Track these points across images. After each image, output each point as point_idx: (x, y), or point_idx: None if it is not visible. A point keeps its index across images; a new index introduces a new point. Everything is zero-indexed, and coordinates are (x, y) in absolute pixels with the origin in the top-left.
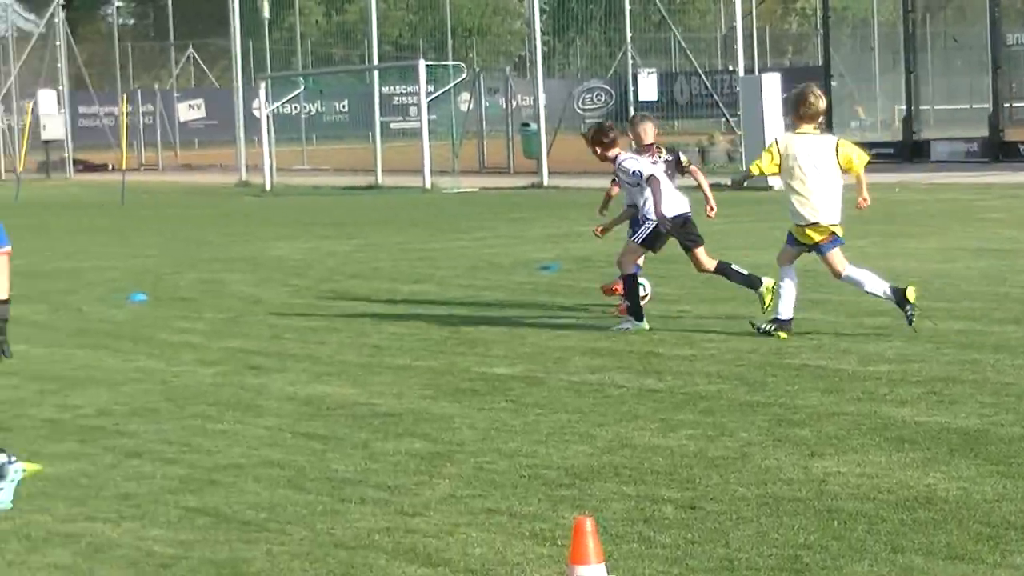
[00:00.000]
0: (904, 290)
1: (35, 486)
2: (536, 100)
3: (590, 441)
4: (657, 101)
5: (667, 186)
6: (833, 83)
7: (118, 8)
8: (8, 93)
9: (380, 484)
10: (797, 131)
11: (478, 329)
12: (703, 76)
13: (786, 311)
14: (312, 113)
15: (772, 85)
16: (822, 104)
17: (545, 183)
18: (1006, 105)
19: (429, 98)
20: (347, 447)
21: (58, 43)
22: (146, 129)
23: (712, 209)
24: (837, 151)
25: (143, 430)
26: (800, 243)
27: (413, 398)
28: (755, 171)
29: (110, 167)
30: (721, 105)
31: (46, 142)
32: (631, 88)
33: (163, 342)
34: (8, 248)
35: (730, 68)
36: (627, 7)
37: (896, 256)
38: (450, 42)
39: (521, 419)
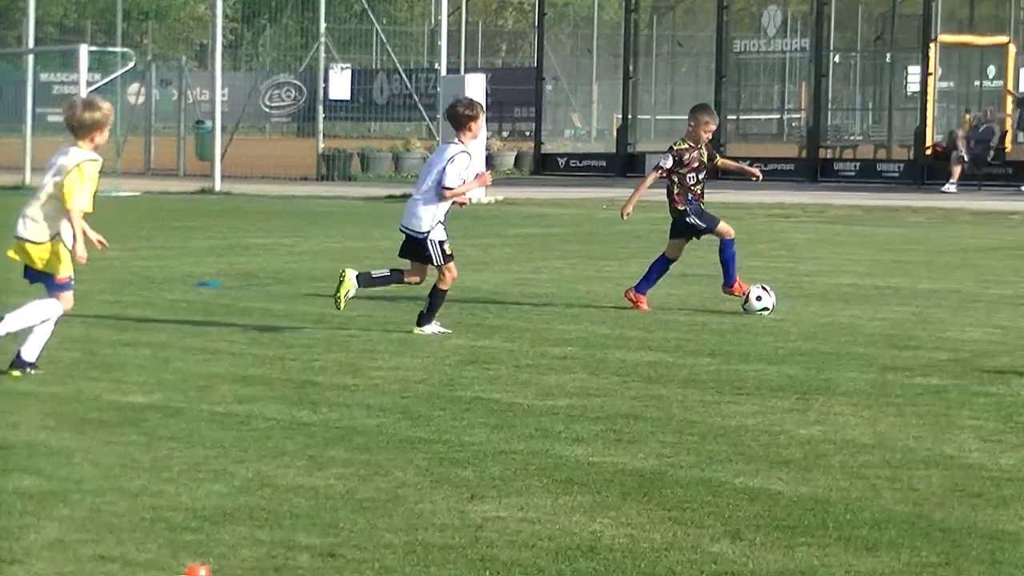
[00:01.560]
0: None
1: None
2: (213, 95)
3: (226, 480)
4: (351, 101)
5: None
6: (547, 87)
7: None
8: None
9: None
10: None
11: (116, 352)
12: (403, 74)
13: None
14: None
15: (476, 86)
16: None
17: (217, 188)
18: (731, 117)
19: (91, 88)
20: None
21: None
22: None
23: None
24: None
25: None
26: None
27: (30, 429)
28: None
29: None
30: (421, 107)
31: None
32: (323, 85)
33: None
34: None
35: (436, 66)
36: None
37: (593, 279)
38: (121, 26)
39: (151, 454)
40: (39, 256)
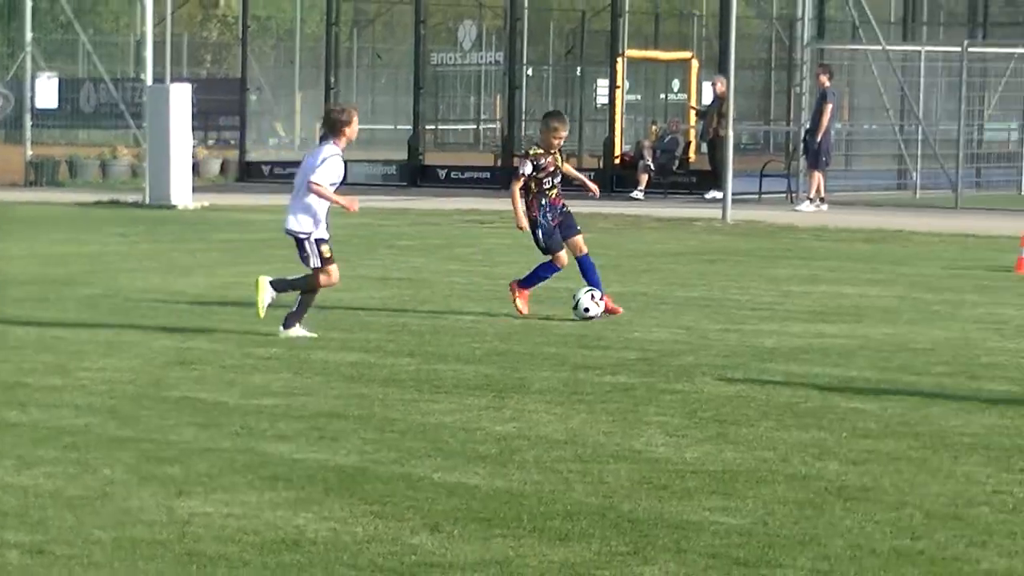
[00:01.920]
0: None
1: None
2: None
3: None
4: (58, 109)
5: None
6: (252, 97)
7: None
8: None
9: None
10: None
11: None
12: (109, 83)
13: None
14: None
15: (181, 96)
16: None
17: None
18: (430, 127)
19: None
20: None
21: None
22: None
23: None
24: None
25: None
26: None
27: None
28: None
29: None
30: (128, 116)
31: None
32: (30, 93)
33: None
34: None
35: (141, 76)
36: (29, 4)
37: None
38: None
39: None
40: None
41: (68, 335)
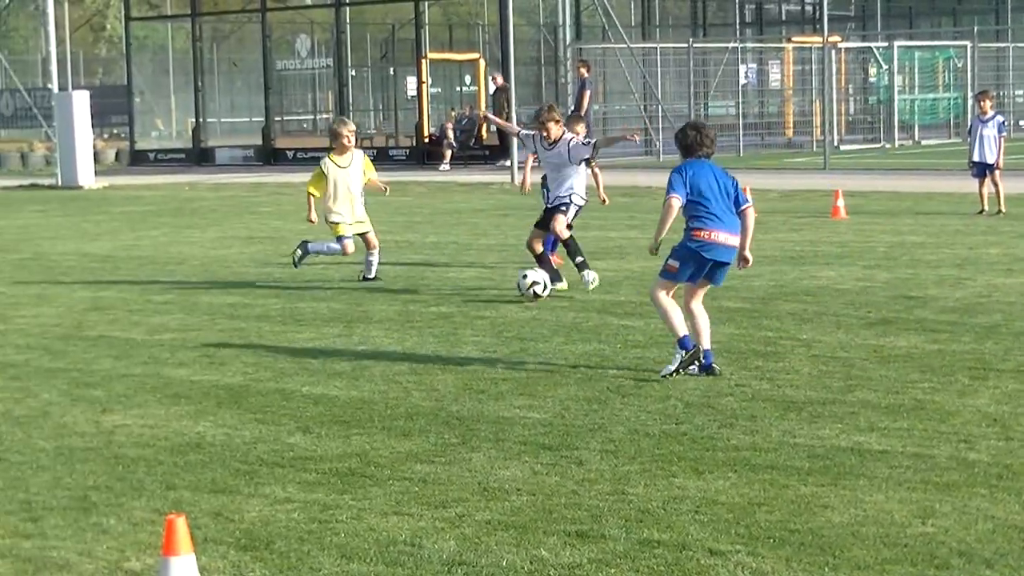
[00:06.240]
0: None
1: None
2: None
3: None
4: None
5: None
6: (136, 100)
7: None
8: None
9: None
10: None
11: None
12: (24, 92)
13: None
14: None
15: (81, 100)
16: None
17: None
18: (276, 119)
19: None
20: None
21: None
22: None
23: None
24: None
25: None
26: None
27: None
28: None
29: None
30: (40, 117)
31: None
32: None
33: None
34: None
35: (48, 86)
36: None
37: (181, 244)
38: None
39: None
40: None
41: (5, 290)
